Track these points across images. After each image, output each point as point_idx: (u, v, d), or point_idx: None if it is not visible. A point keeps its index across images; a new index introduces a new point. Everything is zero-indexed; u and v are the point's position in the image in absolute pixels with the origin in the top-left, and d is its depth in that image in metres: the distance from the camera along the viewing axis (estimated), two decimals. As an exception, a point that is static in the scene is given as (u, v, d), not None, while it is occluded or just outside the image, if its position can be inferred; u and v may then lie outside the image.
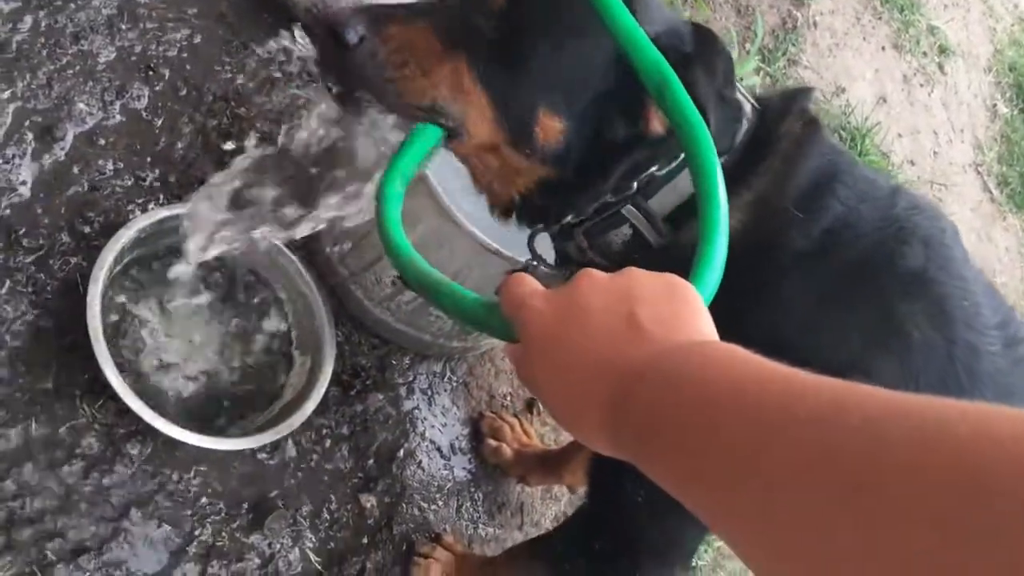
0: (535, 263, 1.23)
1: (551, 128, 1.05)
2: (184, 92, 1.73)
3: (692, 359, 0.60)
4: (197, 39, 1.78)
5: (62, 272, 1.49)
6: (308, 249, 1.71)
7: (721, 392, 0.55)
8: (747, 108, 1.12)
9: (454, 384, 1.86)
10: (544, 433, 1.94)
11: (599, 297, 0.67)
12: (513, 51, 1.03)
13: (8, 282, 1.44)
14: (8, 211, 1.48)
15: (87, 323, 1.38)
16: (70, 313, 1.44)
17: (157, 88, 1.70)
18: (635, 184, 1.09)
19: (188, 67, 1.75)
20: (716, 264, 0.74)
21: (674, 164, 1.09)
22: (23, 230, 1.48)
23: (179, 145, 1.69)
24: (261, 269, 1.65)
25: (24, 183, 1.51)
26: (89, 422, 1.42)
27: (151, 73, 1.70)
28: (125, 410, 1.39)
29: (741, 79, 1.11)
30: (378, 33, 1.02)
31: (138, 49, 1.70)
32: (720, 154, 1.05)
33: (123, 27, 1.69)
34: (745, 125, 1.10)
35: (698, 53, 1.03)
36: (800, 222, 1.05)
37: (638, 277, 0.68)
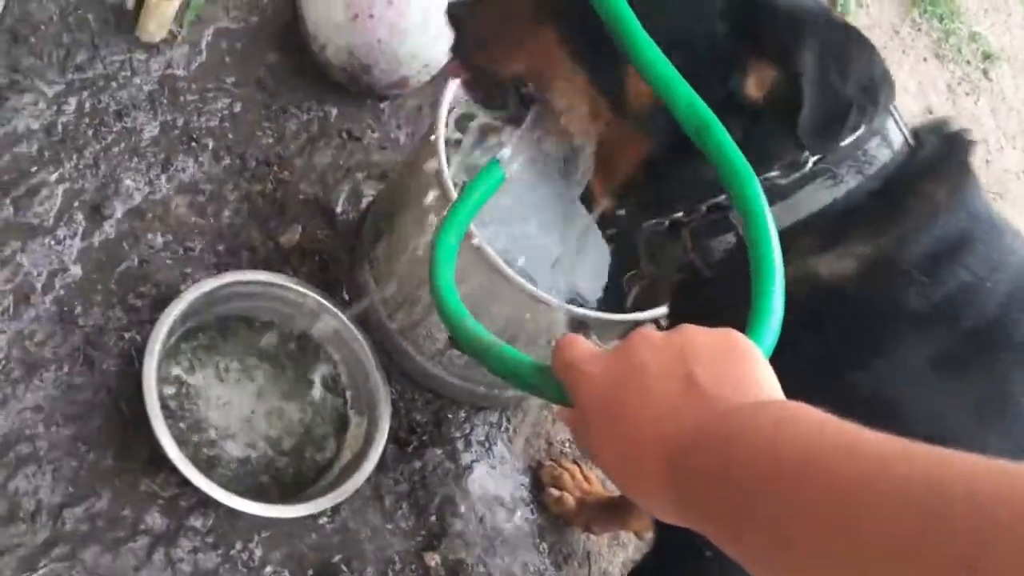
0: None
1: (642, 88, 1.00)
2: (227, 160, 1.75)
3: (759, 420, 0.57)
4: (237, 107, 1.80)
5: (117, 347, 1.50)
6: (357, 307, 1.70)
7: (797, 457, 0.52)
8: (896, 139, 1.04)
9: (511, 434, 1.84)
10: (606, 479, 1.91)
11: (654, 358, 0.64)
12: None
13: (66, 361, 1.45)
14: (62, 291, 1.50)
15: (144, 397, 1.39)
16: (127, 388, 1.46)
17: (201, 159, 1.72)
18: None
19: (230, 135, 1.77)
20: (773, 315, 0.71)
21: (796, 175, 1.02)
22: (78, 308, 1.49)
23: (225, 213, 1.70)
24: (312, 331, 1.65)
25: (76, 262, 1.53)
26: (151, 497, 1.42)
27: (194, 144, 1.72)
28: (186, 482, 1.39)
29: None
30: (476, 8, 1.06)
31: (180, 122, 1.73)
32: (814, 152, 0.99)
33: (164, 102, 1.72)
34: (887, 157, 1.03)
35: (822, 18, 0.97)
36: (919, 284, 0.98)
37: (694, 335, 0.65)
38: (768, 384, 0.62)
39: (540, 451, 1.86)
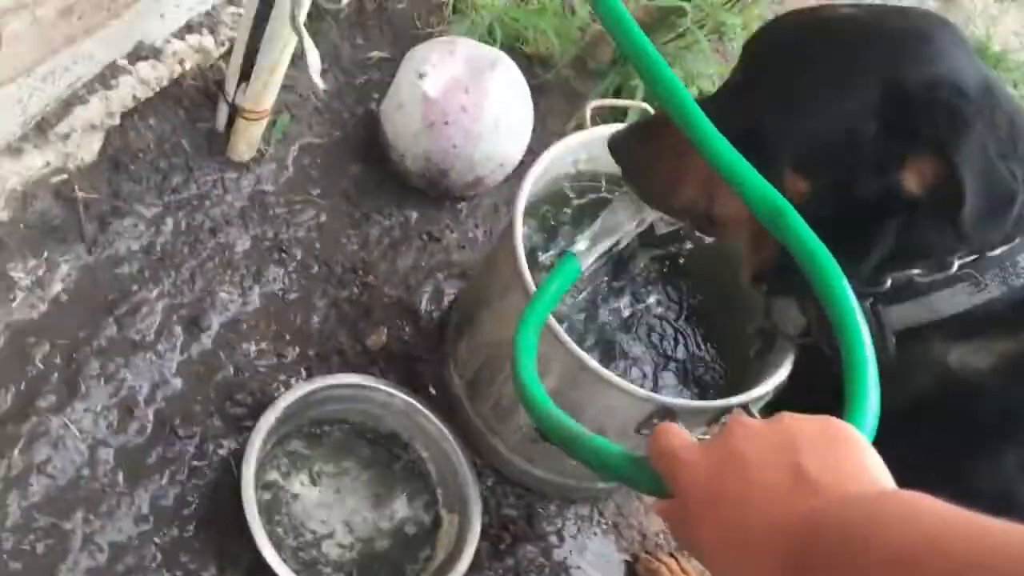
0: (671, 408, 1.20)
1: (798, 185, 1.01)
2: (315, 269, 1.82)
3: (877, 511, 0.56)
4: (323, 217, 1.88)
5: (216, 456, 1.55)
6: (446, 405, 1.72)
7: (924, 545, 0.51)
8: None
9: (604, 527, 1.82)
10: (704, 569, 1.86)
11: (757, 447, 0.63)
12: (753, 123, 1.02)
13: (168, 471, 1.50)
14: (163, 403, 1.56)
15: (243, 504, 1.43)
16: (227, 495, 1.49)
17: (290, 268, 1.79)
18: (889, 280, 1.01)
19: (317, 245, 1.84)
20: (870, 400, 0.70)
21: (938, 276, 0.99)
22: (178, 420, 1.55)
23: (315, 319, 1.76)
24: (402, 430, 1.68)
25: (176, 374, 1.60)
26: (252, 604, 1.44)
27: (284, 255, 1.80)
28: (285, 587, 1.41)
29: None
30: (633, 142, 1.15)
31: (270, 234, 1.81)
32: (975, 246, 0.97)
33: (255, 216, 1.81)
34: None
35: (983, 107, 0.94)
36: None
37: (795, 424, 0.65)
38: (877, 470, 0.61)
39: (633, 543, 1.83)
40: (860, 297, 1.01)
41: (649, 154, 1.15)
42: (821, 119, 0.98)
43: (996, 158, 0.93)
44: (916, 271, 1.00)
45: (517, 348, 1.01)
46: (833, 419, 0.65)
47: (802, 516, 0.58)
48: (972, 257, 0.98)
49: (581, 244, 1.44)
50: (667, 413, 1.35)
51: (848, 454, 0.62)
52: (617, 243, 1.47)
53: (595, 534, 1.81)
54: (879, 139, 0.95)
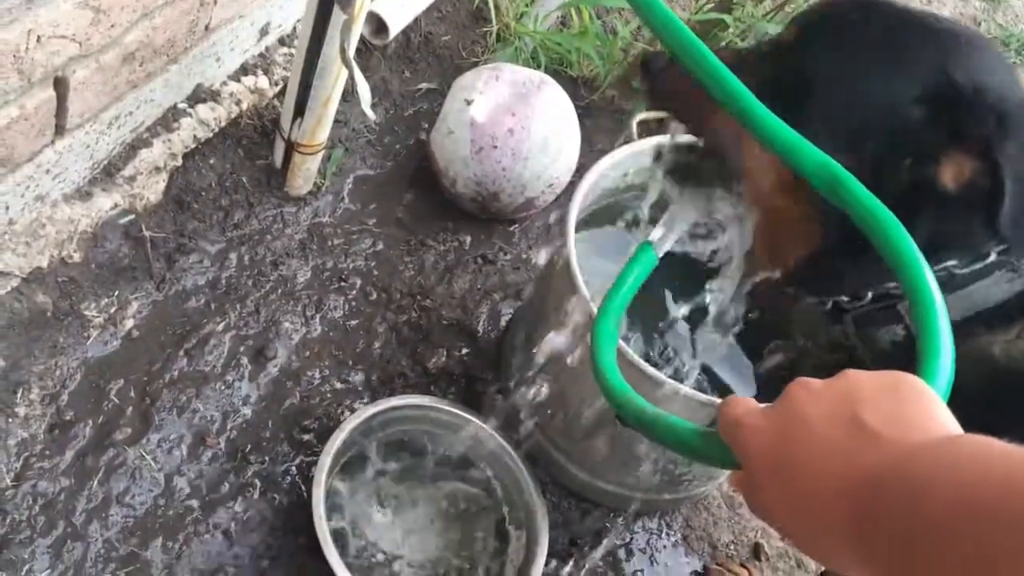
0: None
1: None
2: (374, 295, 1.85)
3: (942, 457, 0.55)
4: (380, 245, 1.92)
5: (287, 481, 1.59)
6: (506, 422, 1.74)
7: (985, 492, 0.50)
8: None
9: (673, 539, 1.81)
10: (776, 579, 1.84)
11: (818, 405, 0.62)
12: (792, 88, 1.01)
13: (241, 498, 1.54)
14: (234, 432, 1.60)
15: (315, 527, 1.45)
16: (299, 519, 1.53)
17: (350, 296, 1.83)
18: None
19: (375, 272, 1.89)
20: (943, 353, 0.69)
21: (979, 265, 0.98)
22: (248, 447, 1.59)
23: (376, 345, 1.79)
24: (465, 449, 1.70)
25: (245, 403, 1.64)
26: (327, 624, 1.47)
27: (343, 283, 1.84)
28: (359, 607, 1.43)
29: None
30: (672, 65, 1.09)
31: (329, 264, 1.85)
32: (1011, 243, 0.96)
33: (314, 247, 1.85)
34: None
35: (1022, 121, 0.95)
36: None
37: (857, 378, 0.63)
38: (944, 419, 0.60)
39: (704, 555, 1.82)
40: (897, 297, 1.00)
41: (683, 86, 1.05)
42: (869, 92, 0.97)
43: None
44: (952, 263, 0.99)
45: (597, 337, 1.01)
46: (900, 372, 0.63)
47: (863, 471, 0.57)
48: (1004, 246, 0.98)
49: (656, 233, 1.44)
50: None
51: (913, 404, 0.60)
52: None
53: (664, 547, 1.80)
54: (921, 128, 0.94)
